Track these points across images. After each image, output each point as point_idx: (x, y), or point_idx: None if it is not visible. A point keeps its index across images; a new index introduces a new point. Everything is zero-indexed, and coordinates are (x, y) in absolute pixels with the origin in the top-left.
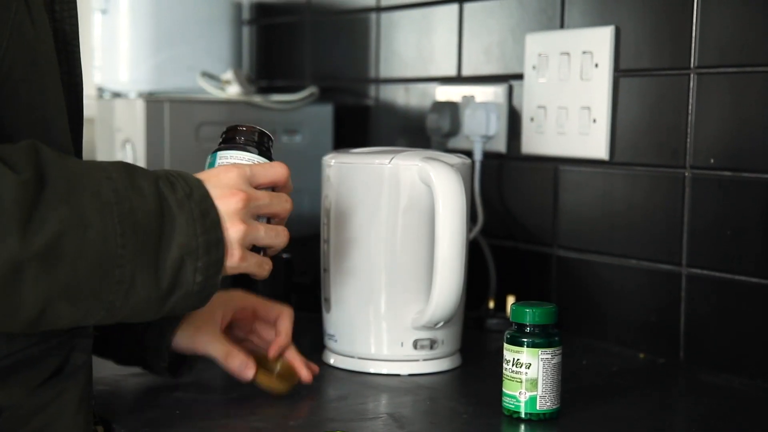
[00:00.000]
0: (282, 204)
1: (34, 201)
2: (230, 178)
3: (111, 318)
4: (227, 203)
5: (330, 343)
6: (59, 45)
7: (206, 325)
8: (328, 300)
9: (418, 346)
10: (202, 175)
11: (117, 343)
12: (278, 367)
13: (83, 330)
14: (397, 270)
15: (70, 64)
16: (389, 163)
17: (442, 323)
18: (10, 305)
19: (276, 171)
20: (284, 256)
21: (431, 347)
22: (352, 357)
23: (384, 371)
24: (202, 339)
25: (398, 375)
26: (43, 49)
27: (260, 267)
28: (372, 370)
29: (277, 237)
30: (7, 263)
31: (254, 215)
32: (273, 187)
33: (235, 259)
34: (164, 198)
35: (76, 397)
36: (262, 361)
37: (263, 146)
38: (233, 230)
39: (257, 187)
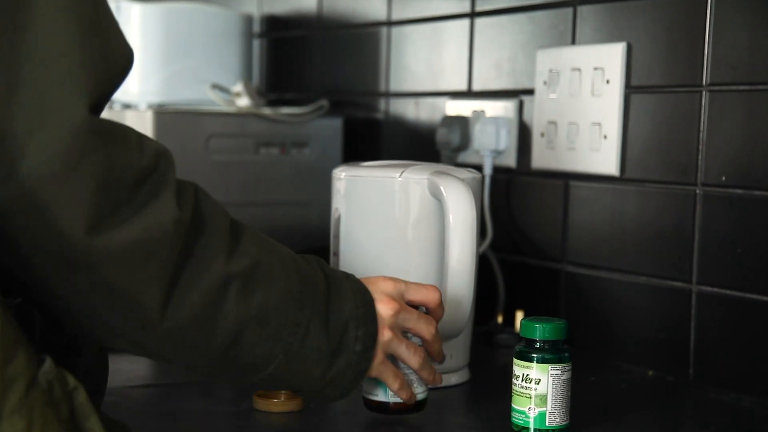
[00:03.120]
0: (427, 326)
1: (238, 233)
2: (387, 286)
3: (285, 364)
4: (381, 307)
5: None
6: None
7: None
8: None
9: None
10: (361, 279)
11: None
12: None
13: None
14: None
15: None
16: (399, 176)
17: (450, 337)
18: (211, 325)
19: (429, 293)
20: None
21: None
22: None
23: None
24: None
25: None
26: None
27: (395, 377)
28: None
29: (414, 355)
30: (218, 276)
31: (401, 328)
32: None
33: (377, 360)
34: (327, 272)
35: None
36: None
37: None
38: (380, 334)
39: (407, 303)
